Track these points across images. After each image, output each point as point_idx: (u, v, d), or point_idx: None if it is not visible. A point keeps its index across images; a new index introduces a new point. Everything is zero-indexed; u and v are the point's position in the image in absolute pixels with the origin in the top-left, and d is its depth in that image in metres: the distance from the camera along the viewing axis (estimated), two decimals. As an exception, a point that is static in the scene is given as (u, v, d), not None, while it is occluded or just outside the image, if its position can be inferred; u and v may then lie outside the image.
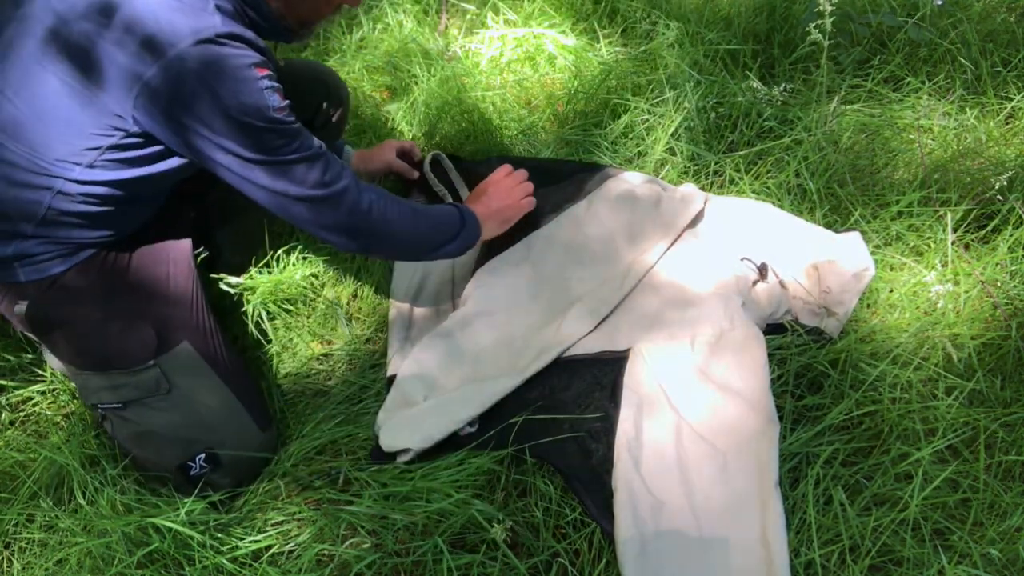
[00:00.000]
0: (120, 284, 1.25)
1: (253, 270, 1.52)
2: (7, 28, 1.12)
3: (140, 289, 1.26)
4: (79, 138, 1.09)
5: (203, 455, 1.23)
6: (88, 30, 1.06)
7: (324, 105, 1.57)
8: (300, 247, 1.58)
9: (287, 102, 1.14)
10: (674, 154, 1.77)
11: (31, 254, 1.18)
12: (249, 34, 1.11)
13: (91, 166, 1.12)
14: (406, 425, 1.30)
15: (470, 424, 1.30)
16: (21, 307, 1.21)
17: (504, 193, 1.50)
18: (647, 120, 1.82)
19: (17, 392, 1.42)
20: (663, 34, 2.01)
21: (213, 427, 1.24)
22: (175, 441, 1.23)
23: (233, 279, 1.47)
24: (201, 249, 1.39)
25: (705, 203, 1.62)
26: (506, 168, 1.55)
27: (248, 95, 1.07)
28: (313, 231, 1.24)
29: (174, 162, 1.18)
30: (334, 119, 1.61)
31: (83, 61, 1.06)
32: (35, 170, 1.11)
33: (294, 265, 1.55)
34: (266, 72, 1.10)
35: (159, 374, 1.22)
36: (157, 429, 1.23)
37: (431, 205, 1.45)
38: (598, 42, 2.08)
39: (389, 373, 1.43)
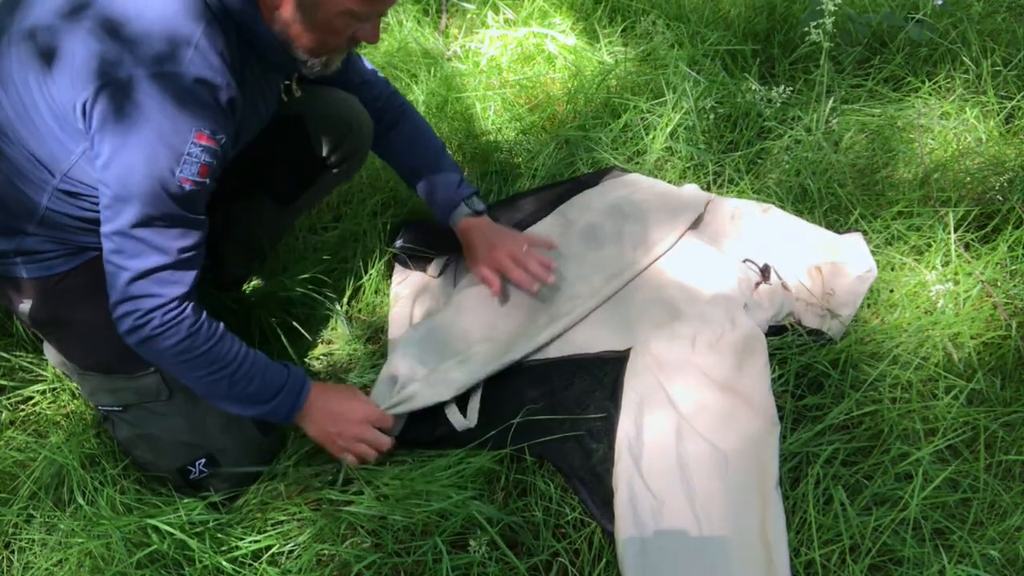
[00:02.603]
0: None
1: (255, 280, 1.51)
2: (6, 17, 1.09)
3: None
4: (62, 133, 1.07)
5: (203, 460, 1.23)
6: (62, 25, 1.03)
7: (341, 146, 1.45)
8: (301, 247, 1.58)
9: (202, 180, 1.06)
10: (673, 154, 1.77)
11: (33, 251, 1.18)
12: (219, 78, 1.04)
13: (68, 175, 1.10)
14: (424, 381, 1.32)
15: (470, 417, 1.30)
16: (25, 306, 1.21)
17: (343, 432, 1.25)
18: (646, 119, 1.82)
19: (17, 392, 1.42)
20: (663, 34, 2.01)
21: (214, 433, 1.24)
22: (175, 445, 1.23)
23: (234, 294, 1.47)
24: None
25: (708, 204, 1.62)
26: (379, 420, 1.28)
27: (163, 153, 1.02)
28: (117, 293, 1.09)
29: None
30: (347, 163, 1.50)
31: (52, 57, 1.03)
32: (29, 166, 1.11)
33: (295, 265, 1.55)
34: (205, 141, 1.04)
35: (159, 380, 1.21)
36: (157, 433, 1.23)
37: (264, 362, 1.20)
38: (598, 42, 2.08)
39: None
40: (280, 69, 1.21)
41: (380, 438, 1.26)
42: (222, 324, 1.15)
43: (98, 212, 1.15)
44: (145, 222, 1.05)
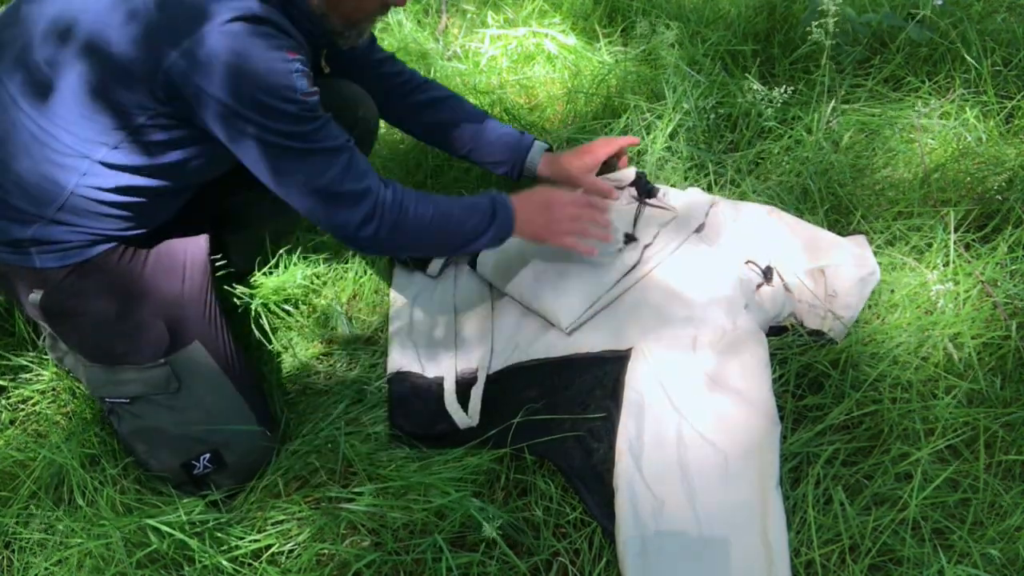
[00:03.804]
0: (136, 281, 1.25)
1: (258, 273, 1.52)
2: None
3: (156, 287, 1.26)
4: (106, 116, 1.09)
5: (208, 455, 1.23)
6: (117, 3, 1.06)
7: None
8: (301, 247, 1.58)
9: (315, 89, 1.12)
10: (673, 154, 1.77)
11: (49, 240, 1.18)
12: (284, 22, 1.10)
13: (116, 147, 1.12)
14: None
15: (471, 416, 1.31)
16: (36, 296, 1.21)
17: (557, 217, 1.35)
18: (646, 119, 1.82)
19: (17, 392, 1.42)
20: (663, 34, 2.01)
21: (219, 428, 1.24)
22: (181, 439, 1.23)
23: (242, 288, 1.47)
24: (218, 257, 1.39)
25: (711, 206, 1.62)
26: (591, 195, 1.41)
27: (275, 75, 1.06)
28: (329, 229, 1.21)
29: (196, 150, 1.18)
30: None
31: (110, 36, 1.06)
32: (63, 150, 1.11)
33: (295, 265, 1.55)
34: (297, 56, 1.09)
35: (169, 372, 1.22)
36: (163, 426, 1.23)
37: (461, 198, 1.33)
38: (598, 42, 2.08)
39: (389, 371, 1.43)
40: (317, 44, 1.24)
41: (595, 202, 1.38)
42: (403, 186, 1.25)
43: (122, 196, 1.17)
44: (309, 137, 1.11)
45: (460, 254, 1.35)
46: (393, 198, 1.20)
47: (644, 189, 1.58)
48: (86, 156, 1.12)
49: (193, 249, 1.31)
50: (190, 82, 1.05)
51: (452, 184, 1.78)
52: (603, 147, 1.55)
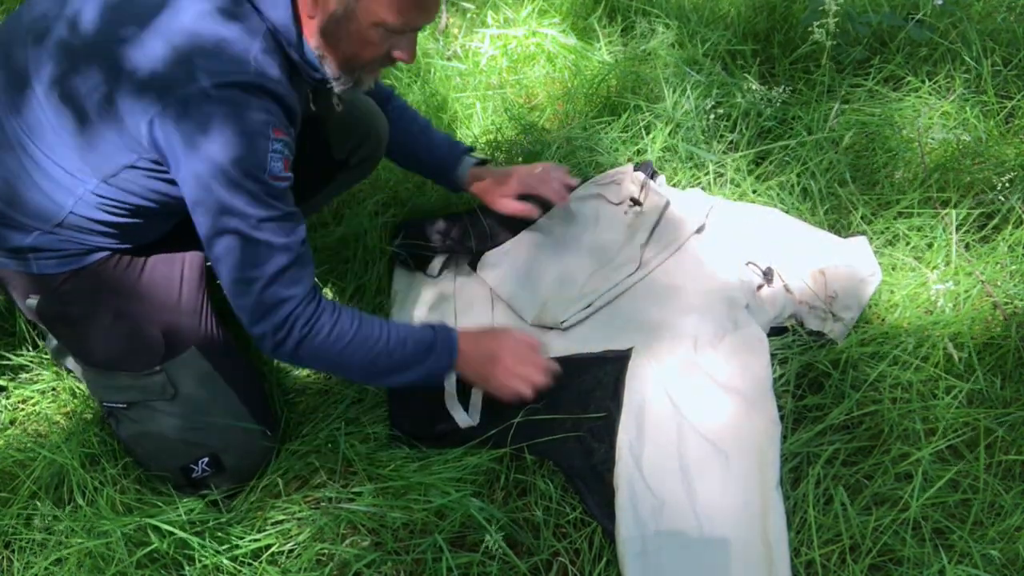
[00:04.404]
0: (132, 288, 1.24)
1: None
2: (55, 26, 1.08)
3: (152, 293, 1.25)
4: (97, 155, 1.08)
5: (207, 459, 1.23)
6: (121, 35, 1.02)
7: (359, 149, 1.46)
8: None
9: (288, 175, 1.08)
10: (674, 154, 1.77)
11: (48, 248, 1.18)
12: (281, 81, 1.06)
13: (106, 181, 1.10)
14: None
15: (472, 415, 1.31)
16: (32, 301, 1.21)
17: (500, 372, 1.25)
18: (646, 119, 1.82)
19: (17, 392, 1.42)
20: (663, 33, 2.01)
21: (218, 432, 1.23)
22: (179, 444, 1.23)
23: None
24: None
25: (711, 208, 1.62)
26: (530, 340, 1.31)
27: (249, 149, 1.02)
28: (240, 320, 1.13)
29: None
30: (363, 165, 1.51)
31: (106, 74, 1.03)
32: (57, 177, 1.10)
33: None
34: (282, 136, 1.05)
35: (165, 379, 1.21)
36: (161, 431, 1.23)
37: (406, 326, 1.22)
38: (598, 41, 2.08)
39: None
40: (313, 86, 1.19)
41: (538, 361, 1.27)
42: (345, 306, 1.17)
43: (119, 217, 1.15)
44: (257, 225, 1.05)
45: (389, 384, 1.26)
46: (311, 315, 1.11)
47: (649, 172, 1.64)
48: (80, 184, 1.11)
49: (189, 257, 1.31)
50: (169, 139, 1.02)
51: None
52: (523, 181, 1.50)
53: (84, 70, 1.05)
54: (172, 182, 1.10)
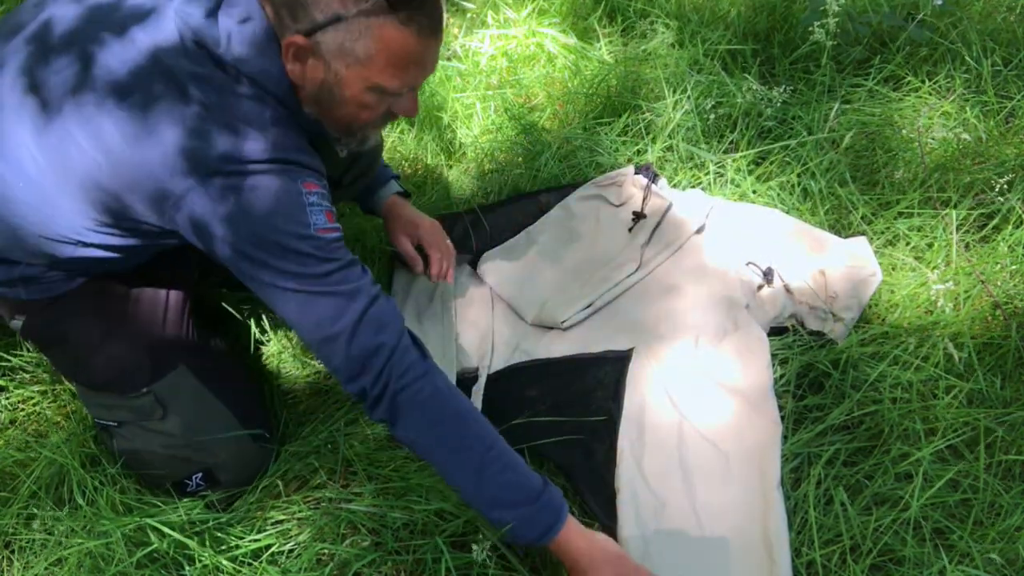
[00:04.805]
0: (117, 307, 1.22)
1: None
2: (50, 81, 1.01)
3: (137, 313, 1.23)
4: (97, 211, 1.03)
5: (200, 474, 1.23)
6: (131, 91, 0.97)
7: (352, 168, 1.41)
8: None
9: (336, 226, 1.03)
10: (674, 154, 1.77)
11: (36, 278, 1.16)
12: (302, 143, 1.03)
13: (102, 231, 1.07)
14: None
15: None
16: (18, 322, 1.20)
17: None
18: (646, 119, 1.82)
19: (17, 392, 1.41)
20: (663, 34, 2.01)
21: (210, 448, 1.22)
22: (171, 461, 1.22)
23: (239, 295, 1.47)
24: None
25: (711, 208, 1.62)
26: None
27: (286, 211, 0.98)
28: (337, 378, 1.07)
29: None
30: (358, 182, 1.46)
31: (118, 145, 0.97)
32: (57, 222, 1.05)
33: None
34: (315, 189, 1.01)
35: (153, 401, 1.20)
36: (152, 449, 1.22)
37: (517, 457, 1.07)
38: (598, 41, 2.08)
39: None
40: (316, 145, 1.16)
41: None
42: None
43: (108, 254, 1.11)
44: (322, 280, 1.01)
45: (475, 506, 1.08)
46: (409, 365, 1.04)
47: (651, 176, 1.64)
48: (65, 241, 1.07)
49: (176, 272, 1.28)
50: (196, 218, 0.98)
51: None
52: (425, 238, 1.47)
53: (91, 131, 0.99)
54: (165, 235, 1.07)
